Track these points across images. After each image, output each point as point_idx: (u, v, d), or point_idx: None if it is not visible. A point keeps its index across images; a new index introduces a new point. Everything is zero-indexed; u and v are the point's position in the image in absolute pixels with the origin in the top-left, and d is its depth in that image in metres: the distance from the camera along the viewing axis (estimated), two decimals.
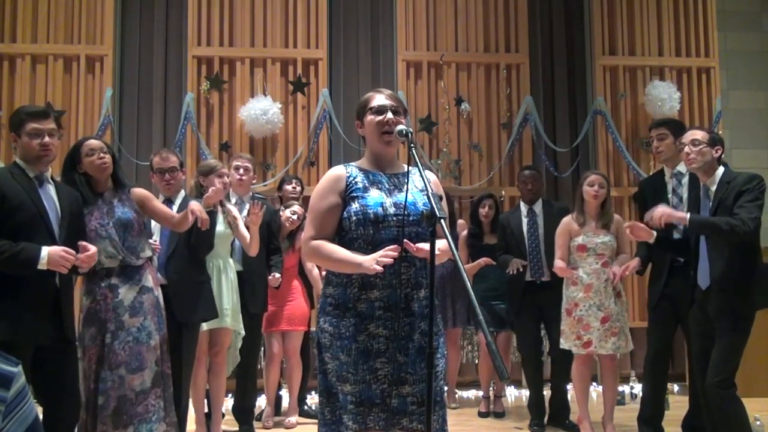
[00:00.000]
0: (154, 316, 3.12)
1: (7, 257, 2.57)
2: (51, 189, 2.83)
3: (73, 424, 2.87)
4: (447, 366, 2.33)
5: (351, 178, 2.23)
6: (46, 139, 2.78)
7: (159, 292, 3.22)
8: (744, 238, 3.04)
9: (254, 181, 4.60)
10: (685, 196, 3.67)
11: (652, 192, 3.80)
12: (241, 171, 4.22)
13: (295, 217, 4.43)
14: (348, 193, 2.21)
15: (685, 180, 3.72)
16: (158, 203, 3.34)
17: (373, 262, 2.04)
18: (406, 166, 2.23)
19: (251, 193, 4.39)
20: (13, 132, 2.81)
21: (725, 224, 3.02)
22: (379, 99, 2.27)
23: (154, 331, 3.09)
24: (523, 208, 4.51)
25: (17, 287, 2.63)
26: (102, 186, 3.18)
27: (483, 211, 4.84)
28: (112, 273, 3.06)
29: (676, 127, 3.80)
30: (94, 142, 3.19)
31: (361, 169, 2.27)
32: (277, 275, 4.12)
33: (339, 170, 2.28)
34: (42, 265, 2.60)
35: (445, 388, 2.36)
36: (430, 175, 2.33)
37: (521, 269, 4.27)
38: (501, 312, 4.63)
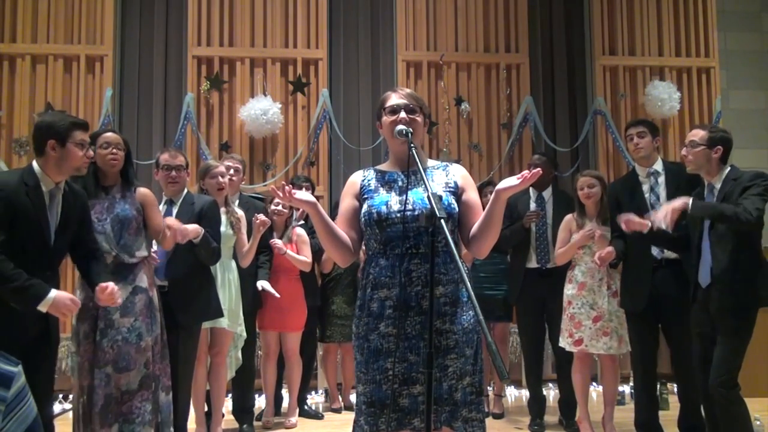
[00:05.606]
0: (146, 317, 3.09)
1: (17, 287, 2.52)
2: (60, 200, 2.75)
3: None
4: (471, 366, 2.17)
5: (365, 181, 2.32)
6: (90, 151, 2.79)
7: (154, 293, 3.20)
8: (746, 227, 3.00)
9: (243, 182, 4.52)
10: (663, 194, 3.66)
11: (627, 192, 3.77)
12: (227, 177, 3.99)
13: (279, 207, 4.37)
14: (362, 196, 2.29)
15: (662, 179, 3.72)
16: (158, 213, 3.29)
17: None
18: (428, 161, 2.34)
19: (239, 194, 4.33)
20: (54, 139, 2.65)
21: (728, 210, 2.99)
22: (394, 99, 2.29)
23: (145, 333, 3.06)
24: (532, 193, 4.44)
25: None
26: (109, 180, 3.18)
27: (484, 200, 4.81)
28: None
29: (653, 128, 3.85)
30: (110, 136, 3.18)
31: (377, 171, 2.34)
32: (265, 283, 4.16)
33: (356, 175, 2.38)
34: (43, 306, 2.55)
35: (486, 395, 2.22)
36: (458, 169, 2.36)
37: (535, 218, 4.23)
38: (497, 303, 4.59)
